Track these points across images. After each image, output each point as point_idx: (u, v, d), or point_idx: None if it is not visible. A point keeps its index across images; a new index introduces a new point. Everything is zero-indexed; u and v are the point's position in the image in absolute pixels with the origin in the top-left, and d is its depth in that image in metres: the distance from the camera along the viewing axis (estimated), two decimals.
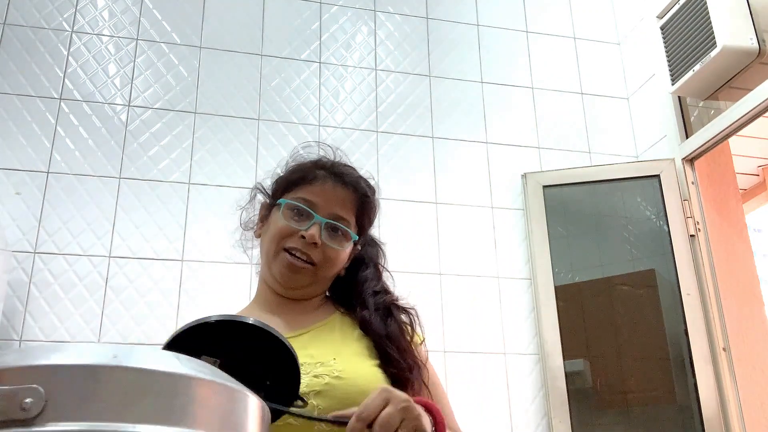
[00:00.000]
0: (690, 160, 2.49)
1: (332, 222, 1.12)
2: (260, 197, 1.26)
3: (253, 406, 0.37)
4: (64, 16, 2.46)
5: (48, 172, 2.26)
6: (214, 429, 0.33)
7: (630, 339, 2.45)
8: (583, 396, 2.37)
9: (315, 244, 1.09)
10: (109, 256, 2.21)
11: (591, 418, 2.37)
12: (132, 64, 2.45)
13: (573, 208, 2.64)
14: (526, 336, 2.44)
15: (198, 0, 2.60)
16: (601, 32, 2.98)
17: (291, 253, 1.10)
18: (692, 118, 2.56)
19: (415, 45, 2.76)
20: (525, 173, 2.61)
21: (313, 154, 1.24)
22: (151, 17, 2.53)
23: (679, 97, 2.58)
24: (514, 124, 2.73)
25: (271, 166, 2.44)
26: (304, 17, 2.68)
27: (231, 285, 2.27)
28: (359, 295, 1.19)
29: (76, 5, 2.48)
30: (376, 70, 2.68)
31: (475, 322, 2.41)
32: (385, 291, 1.24)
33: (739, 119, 2.25)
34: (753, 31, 2.25)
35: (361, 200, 1.18)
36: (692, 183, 2.46)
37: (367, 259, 1.25)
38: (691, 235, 2.40)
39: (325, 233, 1.11)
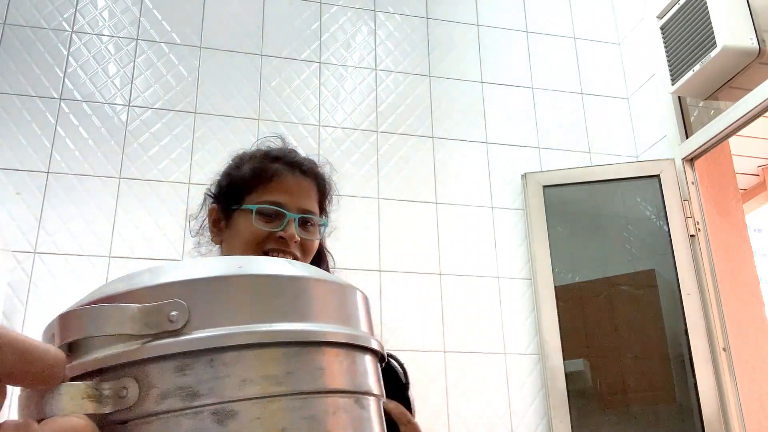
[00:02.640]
0: (690, 160, 2.49)
1: (303, 216, 1.09)
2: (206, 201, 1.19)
3: (359, 298, 0.42)
4: (64, 16, 2.46)
5: (48, 172, 2.26)
6: (332, 320, 0.38)
7: (630, 339, 2.45)
8: (583, 396, 2.37)
9: (295, 241, 1.07)
10: (109, 256, 2.21)
11: (591, 418, 2.37)
12: (132, 64, 2.45)
13: (573, 208, 2.64)
14: (526, 336, 2.44)
15: (198, 0, 2.60)
16: (601, 32, 2.98)
17: (274, 255, 1.07)
18: (692, 118, 2.56)
19: (415, 45, 2.76)
20: (525, 173, 2.61)
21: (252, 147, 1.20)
22: (151, 17, 2.53)
23: (679, 97, 2.58)
24: (514, 124, 2.73)
25: None
26: (304, 17, 2.68)
27: None
28: None
29: (76, 5, 2.48)
30: (376, 70, 2.68)
31: (475, 322, 2.41)
32: None
33: (739, 119, 2.25)
34: (753, 31, 2.25)
35: (320, 185, 1.15)
36: (692, 183, 2.46)
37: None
38: (691, 235, 2.40)
39: (298, 228, 1.09)
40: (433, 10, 2.84)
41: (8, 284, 2.09)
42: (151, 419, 0.33)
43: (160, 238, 2.27)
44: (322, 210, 1.16)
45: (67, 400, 0.32)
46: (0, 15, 2.40)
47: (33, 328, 2.09)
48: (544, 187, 2.58)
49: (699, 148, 2.43)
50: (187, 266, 0.37)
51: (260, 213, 1.07)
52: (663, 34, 2.50)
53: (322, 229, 1.13)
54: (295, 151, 1.16)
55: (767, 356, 2.30)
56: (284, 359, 0.35)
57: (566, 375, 2.34)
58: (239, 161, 1.16)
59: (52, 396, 0.32)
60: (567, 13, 2.99)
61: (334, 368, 0.37)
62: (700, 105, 2.53)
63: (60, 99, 2.35)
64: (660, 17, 2.53)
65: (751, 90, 2.21)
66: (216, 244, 1.14)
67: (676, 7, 2.44)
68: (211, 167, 2.40)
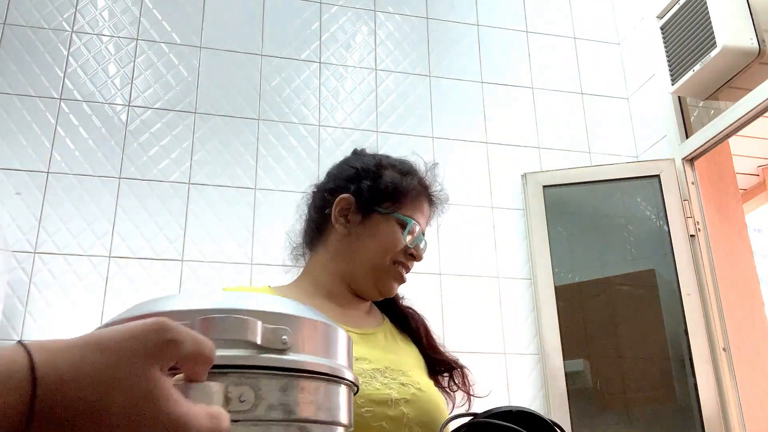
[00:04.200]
0: (690, 160, 2.49)
1: (424, 243, 1.19)
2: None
3: (342, 335, 0.54)
4: (64, 16, 2.46)
5: (48, 172, 2.26)
6: (333, 357, 0.51)
7: (630, 339, 2.45)
8: (583, 396, 2.37)
9: (416, 260, 1.17)
10: (109, 256, 2.21)
11: (591, 418, 2.37)
12: (132, 64, 2.45)
13: (573, 208, 2.64)
14: (526, 336, 2.44)
15: (198, 0, 2.60)
16: (601, 32, 2.98)
17: (399, 268, 1.16)
18: (692, 118, 2.56)
19: (415, 45, 2.76)
20: (525, 173, 2.61)
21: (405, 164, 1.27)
22: (151, 17, 2.53)
23: (679, 97, 2.58)
24: (514, 124, 2.73)
25: (271, 166, 2.45)
26: (304, 17, 2.68)
27: (231, 284, 2.27)
28: (396, 304, 1.27)
29: (76, 5, 2.48)
30: (376, 70, 2.68)
31: (475, 322, 2.41)
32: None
33: (739, 119, 2.25)
34: (753, 31, 2.25)
35: (431, 217, 1.26)
36: (692, 183, 2.46)
37: None
38: (691, 235, 2.40)
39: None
40: (433, 10, 2.83)
41: (8, 284, 2.09)
42: (258, 423, 0.44)
43: (160, 238, 2.27)
44: None
45: (212, 394, 0.41)
46: (0, 15, 2.40)
47: (33, 328, 2.09)
48: (544, 187, 2.58)
49: (699, 148, 2.43)
50: (290, 304, 0.51)
51: (409, 226, 1.15)
52: (663, 34, 2.50)
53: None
54: (434, 186, 1.26)
55: (767, 356, 2.30)
56: (335, 393, 0.50)
57: (566, 375, 2.34)
58: (380, 166, 1.20)
59: (200, 389, 0.40)
60: (567, 13, 2.99)
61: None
62: (700, 105, 2.53)
63: (60, 99, 2.35)
64: (660, 17, 2.53)
65: (751, 90, 2.21)
66: (339, 231, 1.16)
67: (676, 7, 2.44)
68: (211, 167, 2.41)
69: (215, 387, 0.41)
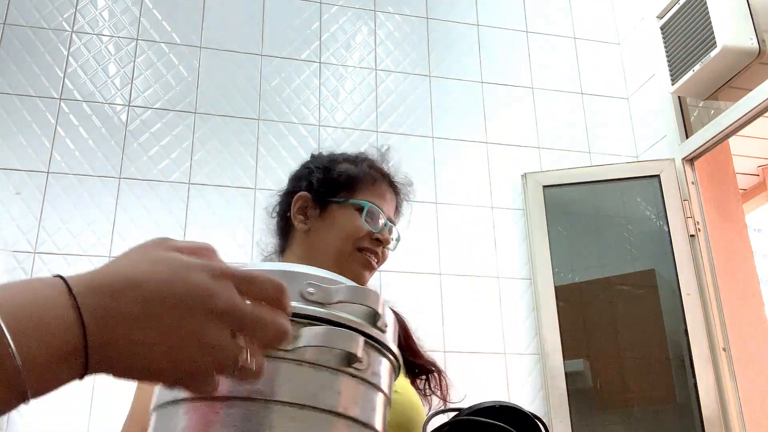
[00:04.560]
0: (690, 160, 2.49)
1: (392, 225, 1.18)
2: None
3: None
4: (64, 16, 2.46)
5: (48, 172, 2.26)
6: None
7: (630, 339, 2.45)
8: (583, 396, 2.37)
9: (384, 247, 1.15)
10: (109, 256, 2.21)
11: (591, 418, 2.37)
12: (132, 64, 2.45)
13: (573, 208, 2.64)
14: (526, 336, 2.44)
15: (198, 0, 2.60)
16: (601, 32, 2.98)
17: (365, 254, 1.14)
18: (692, 118, 2.56)
19: (415, 45, 2.76)
20: (525, 173, 2.61)
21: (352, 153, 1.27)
22: (151, 17, 2.53)
23: (679, 97, 2.58)
24: (514, 124, 2.73)
25: (271, 166, 2.45)
26: (304, 17, 2.68)
27: None
28: None
29: (76, 5, 2.48)
30: (376, 70, 2.68)
31: (475, 322, 2.41)
32: None
33: (739, 119, 2.25)
34: (753, 31, 2.25)
35: (398, 202, 1.24)
36: (692, 183, 2.46)
37: None
38: (691, 235, 2.40)
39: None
40: (433, 10, 2.83)
41: None
42: (303, 364, 0.51)
43: None
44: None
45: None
46: (0, 15, 2.40)
47: None
48: (544, 187, 2.58)
49: (699, 148, 2.43)
50: (334, 276, 0.58)
51: (368, 210, 1.13)
52: (663, 34, 2.50)
53: (396, 243, 1.21)
54: (386, 161, 1.25)
55: (767, 356, 2.30)
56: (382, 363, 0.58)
57: (566, 375, 2.34)
58: (332, 160, 1.21)
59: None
60: (567, 13, 2.99)
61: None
62: (700, 105, 2.53)
63: (60, 99, 2.35)
64: (660, 17, 2.53)
65: (751, 90, 2.21)
66: (299, 229, 1.17)
67: (676, 7, 2.44)
68: (211, 167, 2.41)
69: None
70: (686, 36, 2.39)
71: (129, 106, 2.40)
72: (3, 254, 2.02)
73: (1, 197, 2.19)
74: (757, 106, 2.18)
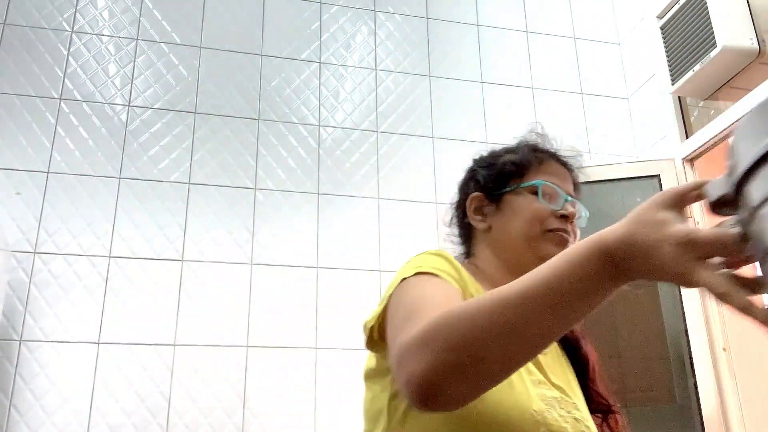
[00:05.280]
0: (690, 160, 2.49)
1: (575, 200, 1.12)
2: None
3: None
4: (64, 16, 2.46)
5: (48, 172, 2.26)
6: None
7: (630, 339, 2.45)
8: None
9: (571, 221, 1.09)
10: (109, 256, 2.21)
11: None
12: (132, 64, 2.46)
13: None
14: None
15: (198, 0, 2.60)
16: (601, 32, 2.98)
17: (555, 232, 1.08)
18: (692, 118, 2.56)
19: (415, 45, 2.76)
20: None
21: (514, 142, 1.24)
22: (151, 17, 2.53)
23: (679, 97, 2.58)
24: (514, 124, 2.73)
25: (271, 166, 2.45)
26: (304, 17, 2.68)
27: (231, 285, 2.27)
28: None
29: (76, 5, 2.48)
30: (376, 70, 2.68)
31: None
32: None
33: (739, 119, 2.25)
34: (753, 31, 2.25)
35: (574, 178, 1.18)
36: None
37: None
38: None
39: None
40: (433, 10, 2.83)
41: (8, 284, 2.09)
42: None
43: (160, 238, 2.27)
44: None
45: None
46: (0, 15, 2.40)
47: (33, 328, 2.09)
48: None
49: (699, 148, 2.43)
50: None
51: (544, 191, 1.09)
52: (663, 34, 2.50)
53: (585, 219, 1.14)
54: (547, 138, 1.21)
55: (767, 356, 2.30)
56: None
57: None
58: (494, 155, 1.20)
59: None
60: (567, 13, 2.99)
61: None
62: (700, 105, 2.53)
63: (60, 99, 2.35)
64: (660, 17, 2.53)
65: (751, 90, 2.21)
66: (480, 229, 1.14)
67: (676, 7, 2.44)
68: (211, 167, 2.41)
69: None
70: (686, 36, 2.38)
71: (129, 106, 2.40)
72: (3, 254, 2.02)
73: (1, 197, 2.19)
74: None
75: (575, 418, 0.94)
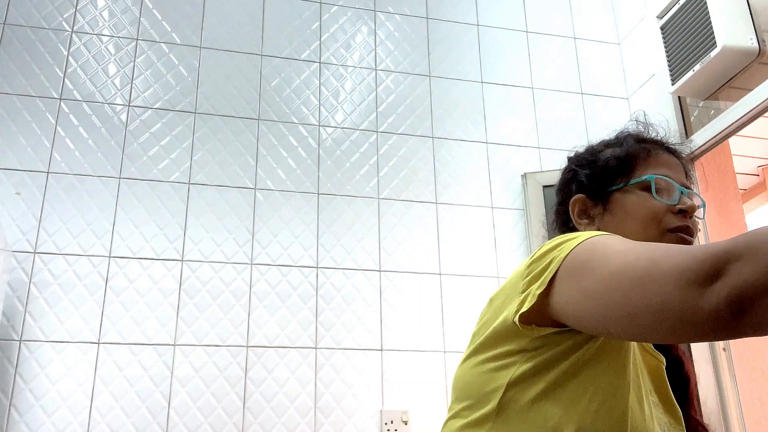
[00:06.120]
0: (690, 160, 2.48)
1: (690, 191, 1.00)
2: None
3: None
4: (64, 16, 2.46)
5: (48, 172, 2.26)
6: None
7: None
8: None
9: (690, 216, 0.97)
10: (109, 256, 2.21)
11: None
12: (132, 64, 2.46)
13: None
14: None
15: (198, 0, 2.60)
16: (601, 32, 2.98)
17: (678, 233, 0.96)
18: (692, 118, 2.56)
19: (415, 45, 2.76)
20: (525, 173, 2.61)
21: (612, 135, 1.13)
22: (151, 17, 2.53)
23: (679, 97, 2.58)
24: (514, 124, 2.73)
25: (271, 166, 2.45)
26: (304, 17, 2.69)
27: (231, 285, 2.27)
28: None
29: (76, 5, 2.48)
30: (376, 70, 2.68)
31: (475, 323, 2.40)
32: None
33: (739, 119, 2.25)
34: (753, 31, 2.25)
35: (685, 166, 1.06)
36: (692, 183, 2.46)
37: None
38: None
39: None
40: (433, 10, 2.84)
41: (8, 284, 2.09)
42: None
43: (160, 238, 2.27)
44: None
45: None
46: (0, 15, 2.40)
47: (33, 327, 2.09)
48: (544, 187, 2.58)
49: (699, 148, 2.43)
50: None
51: (658, 185, 0.98)
52: (663, 34, 2.50)
53: (702, 210, 1.03)
54: (650, 127, 1.10)
55: (767, 356, 2.30)
56: None
57: None
58: (593, 151, 1.09)
59: None
60: (567, 13, 2.99)
61: None
62: (700, 105, 2.53)
63: (60, 99, 2.35)
64: (660, 17, 2.53)
65: (751, 90, 2.21)
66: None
67: (676, 7, 2.44)
68: (211, 167, 2.41)
69: None
70: (686, 36, 2.38)
71: (129, 106, 2.40)
72: (3, 254, 2.02)
73: (1, 197, 2.19)
74: (757, 106, 2.18)
75: None
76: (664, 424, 0.87)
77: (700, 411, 1.04)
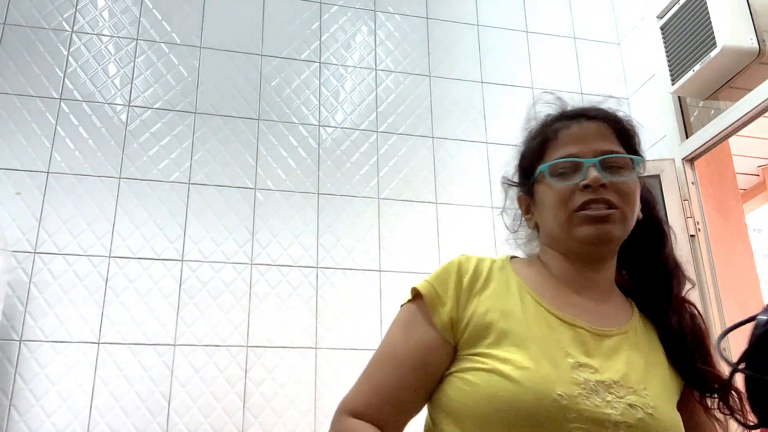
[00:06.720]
0: (690, 160, 2.49)
1: (603, 157, 0.98)
2: (511, 193, 1.13)
3: None
4: (64, 16, 2.46)
5: (48, 172, 2.26)
6: None
7: None
8: None
9: (603, 186, 0.95)
10: (109, 256, 2.21)
11: None
12: (132, 64, 2.46)
13: None
14: None
15: (198, 0, 2.60)
16: (601, 32, 2.98)
17: (585, 210, 0.96)
18: (692, 118, 2.56)
19: (415, 45, 2.76)
20: None
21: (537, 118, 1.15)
22: (151, 17, 2.53)
23: (679, 97, 2.58)
24: (514, 124, 2.73)
25: (271, 166, 2.45)
26: (304, 17, 2.69)
27: (231, 285, 2.27)
28: (662, 292, 1.06)
29: (76, 5, 2.48)
30: (376, 70, 2.68)
31: None
32: (687, 301, 1.08)
33: (739, 119, 2.25)
34: (753, 31, 2.25)
35: (617, 126, 1.05)
36: (692, 183, 2.46)
37: (664, 229, 1.14)
38: (691, 235, 2.40)
39: (603, 172, 0.96)
40: (433, 10, 2.84)
41: (8, 284, 2.09)
42: None
43: (160, 238, 2.27)
44: (633, 151, 1.04)
45: None
46: (0, 15, 2.40)
47: (33, 327, 2.09)
48: None
49: (699, 148, 2.43)
50: None
51: (552, 172, 0.99)
52: (663, 34, 2.50)
53: (637, 168, 1.01)
54: (580, 106, 1.09)
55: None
56: None
57: None
58: (522, 143, 1.12)
59: None
60: (567, 13, 2.99)
61: None
62: (700, 105, 2.53)
63: (60, 99, 2.35)
64: (660, 17, 2.53)
65: (751, 90, 2.21)
66: (532, 229, 1.08)
67: (676, 7, 2.44)
68: (211, 167, 2.41)
69: None
70: (686, 36, 2.38)
71: (129, 106, 2.40)
72: (3, 254, 2.02)
73: (1, 197, 2.19)
74: (757, 106, 2.18)
75: (629, 404, 0.87)
76: (595, 384, 0.87)
77: (713, 362, 1.05)
